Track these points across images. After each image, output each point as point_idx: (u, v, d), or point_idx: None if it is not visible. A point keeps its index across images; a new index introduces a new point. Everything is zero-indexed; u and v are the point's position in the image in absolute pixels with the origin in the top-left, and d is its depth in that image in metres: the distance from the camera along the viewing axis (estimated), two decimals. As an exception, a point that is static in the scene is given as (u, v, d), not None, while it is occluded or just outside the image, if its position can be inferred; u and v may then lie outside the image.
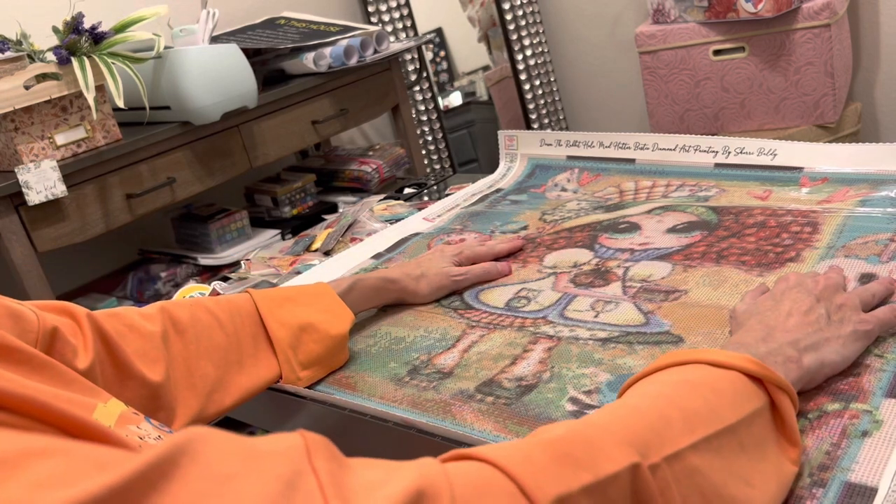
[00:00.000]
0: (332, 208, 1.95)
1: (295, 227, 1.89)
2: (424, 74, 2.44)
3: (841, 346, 0.62)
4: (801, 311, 0.64)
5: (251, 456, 0.31)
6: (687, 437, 0.46)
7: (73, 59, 1.40)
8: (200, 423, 0.63)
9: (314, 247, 1.23)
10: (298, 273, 1.13)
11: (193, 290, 1.12)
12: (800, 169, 1.02)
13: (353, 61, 1.86)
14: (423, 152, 2.51)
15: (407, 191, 1.47)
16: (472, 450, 0.41)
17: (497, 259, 1.01)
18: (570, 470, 0.40)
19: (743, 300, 0.72)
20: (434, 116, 2.54)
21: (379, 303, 0.92)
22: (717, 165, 1.10)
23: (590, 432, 0.44)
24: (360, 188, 2.06)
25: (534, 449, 0.41)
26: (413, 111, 2.46)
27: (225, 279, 1.17)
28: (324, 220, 1.37)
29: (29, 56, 1.43)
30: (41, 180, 1.37)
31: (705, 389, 0.51)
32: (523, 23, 2.63)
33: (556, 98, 2.76)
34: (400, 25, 2.44)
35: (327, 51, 1.82)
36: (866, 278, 0.76)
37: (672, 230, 0.97)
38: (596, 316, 0.82)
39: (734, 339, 0.63)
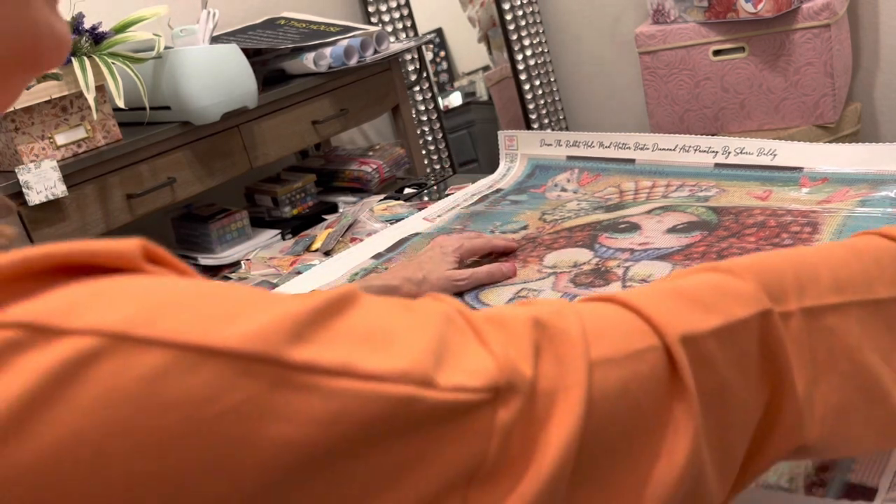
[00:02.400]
0: (333, 208, 1.95)
1: (295, 227, 1.89)
2: (424, 74, 2.44)
3: None
4: None
5: (402, 303, 0.34)
6: (831, 297, 0.43)
7: (73, 59, 1.40)
8: None
9: (314, 247, 1.23)
10: (299, 273, 1.13)
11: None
12: (800, 169, 1.02)
13: (354, 61, 1.86)
14: (423, 152, 2.51)
15: (407, 191, 1.48)
16: (600, 293, 0.42)
17: (495, 257, 1.01)
18: (700, 313, 0.39)
19: None
20: (434, 116, 2.54)
21: None
22: (717, 165, 1.10)
23: (725, 283, 0.42)
24: (361, 188, 2.06)
25: (665, 295, 0.40)
26: (413, 111, 2.46)
27: (225, 279, 1.17)
28: (324, 220, 1.37)
29: (29, 56, 1.43)
30: (41, 180, 1.37)
31: (868, 258, 0.47)
32: (523, 23, 2.62)
33: (556, 98, 2.76)
34: (400, 26, 2.44)
35: (327, 51, 1.82)
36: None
37: (672, 230, 0.97)
38: (596, 316, 0.82)
39: None
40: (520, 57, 2.65)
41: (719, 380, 0.37)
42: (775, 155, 1.05)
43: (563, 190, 1.22)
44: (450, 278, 0.93)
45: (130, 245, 0.29)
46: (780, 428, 0.40)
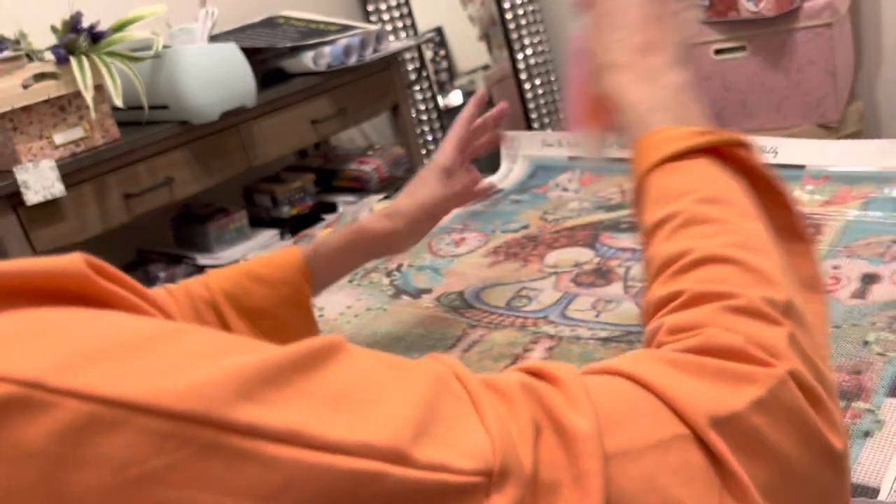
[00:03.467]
0: (332, 208, 1.94)
1: (294, 226, 1.88)
2: (424, 73, 2.43)
3: None
4: None
5: (392, 362, 0.30)
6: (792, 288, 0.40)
7: (71, 58, 1.39)
8: None
9: (313, 246, 1.22)
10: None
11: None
12: (802, 167, 1.02)
13: (353, 60, 1.85)
14: (423, 152, 2.50)
15: (407, 190, 1.47)
16: (608, 364, 0.35)
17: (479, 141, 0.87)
18: (729, 386, 0.33)
19: None
20: (434, 116, 2.54)
21: (356, 259, 0.78)
22: None
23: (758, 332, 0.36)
24: (360, 188, 2.05)
25: (683, 368, 0.34)
26: (413, 111, 2.45)
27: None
28: (323, 219, 1.36)
29: (27, 55, 1.43)
30: (39, 180, 1.37)
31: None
32: (524, 21, 2.62)
33: (557, 98, 2.76)
34: (400, 24, 2.43)
35: (326, 50, 1.82)
36: (868, 279, 0.75)
37: (673, 229, 0.97)
38: (597, 315, 0.81)
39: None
40: (520, 56, 2.64)
41: (776, 455, 0.32)
42: (777, 153, 1.05)
43: (565, 190, 1.22)
44: (424, 201, 0.80)
45: (74, 261, 0.26)
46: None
